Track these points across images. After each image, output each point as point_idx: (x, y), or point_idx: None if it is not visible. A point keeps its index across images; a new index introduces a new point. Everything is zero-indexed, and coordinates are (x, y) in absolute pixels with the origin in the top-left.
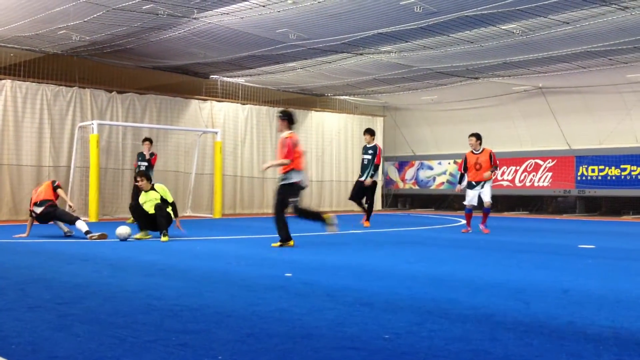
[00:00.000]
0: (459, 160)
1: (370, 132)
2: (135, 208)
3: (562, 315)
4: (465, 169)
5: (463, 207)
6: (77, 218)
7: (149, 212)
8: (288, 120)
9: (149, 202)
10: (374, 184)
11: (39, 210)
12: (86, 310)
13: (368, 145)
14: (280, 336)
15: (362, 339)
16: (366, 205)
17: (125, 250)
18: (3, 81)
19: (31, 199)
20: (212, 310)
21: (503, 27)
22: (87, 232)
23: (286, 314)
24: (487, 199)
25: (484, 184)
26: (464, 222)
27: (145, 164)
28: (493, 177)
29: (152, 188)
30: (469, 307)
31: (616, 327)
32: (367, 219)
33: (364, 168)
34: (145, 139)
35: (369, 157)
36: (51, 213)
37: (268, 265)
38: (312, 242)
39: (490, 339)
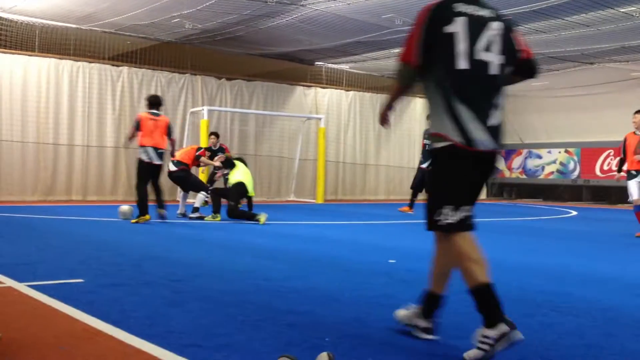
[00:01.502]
0: (570, 149)
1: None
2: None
3: None
4: (624, 154)
5: (575, 198)
6: (205, 189)
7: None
8: None
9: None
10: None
11: (173, 168)
12: (199, 288)
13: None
14: (386, 321)
15: (469, 327)
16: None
17: (235, 233)
18: (121, 68)
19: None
20: (318, 292)
21: (622, 10)
22: (195, 209)
23: (391, 299)
24: None
25: None
26: (576, 213)
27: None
28: None
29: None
30: (581, 301)
31: None
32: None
33: (426, 154)
34: (212, 134)
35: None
36: (182, 178)
37: (372, 251)
38: (414, 229)
39: (604, 334)
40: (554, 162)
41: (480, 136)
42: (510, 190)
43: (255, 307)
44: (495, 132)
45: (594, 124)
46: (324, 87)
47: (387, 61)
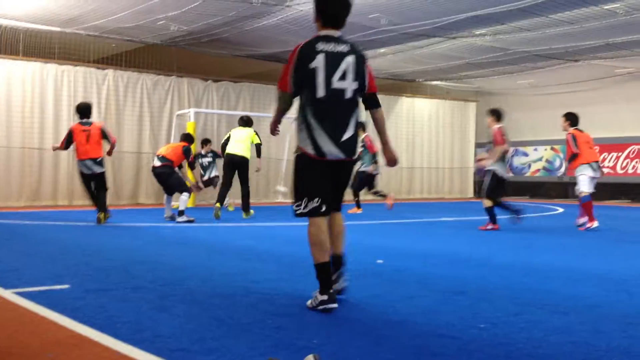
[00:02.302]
0: (556, 147)
1: (361, 126)
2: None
3: None
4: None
5: (561, 195)
6: (187, 191)
7: None
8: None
9: None
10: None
11: (157, 163)
12: (186, 292)
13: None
14: (374, 322)
15: (457, 327)
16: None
17: (222, 234)
18: (106, 71)
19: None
20: (306, 294)
21: (606, 7)
22: (180, 212)
23: (380, 300)
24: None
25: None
26: (562, 210)
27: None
28: None
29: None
30: (568, 298)
31: None
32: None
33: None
34: (205, 141)
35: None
36: (164, 175)
37: (359, 251)
38: (402, 228)
39: (592, 330)
40: (540, 159)
41: (330, 149)
42: None
43: (243, 310)
44: (347, 145)
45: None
46: None
47: (374, 60)
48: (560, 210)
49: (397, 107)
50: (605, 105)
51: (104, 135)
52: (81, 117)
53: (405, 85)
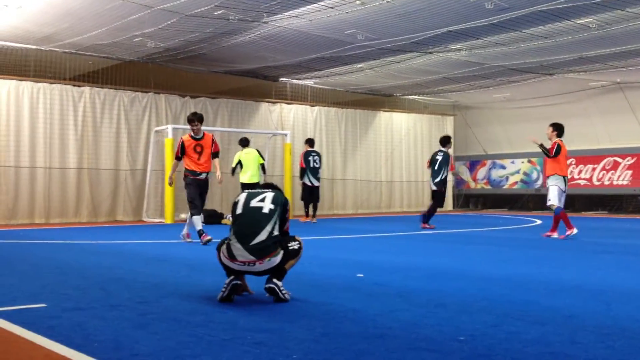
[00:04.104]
0: (533, 159)
1: (310, 141)
2: None
3: None
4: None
5: (539, 207)
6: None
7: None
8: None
9: None
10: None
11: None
12: (165, 309)
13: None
14: (354, 336)
15: (437, 340)
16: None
17: (201, 251)
18: (82, 88)
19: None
20: (286, 309)
21: (579, 22)
22: (200, 233)
23: (360, 314)
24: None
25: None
26: (540, 222)
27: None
28: None
29: None
30: (547, 309)
31: None
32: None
33: (315, 172)
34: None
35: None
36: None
37: (339, 265)
38: (382, 242)
39: (570, 341)
40: (518, 172)
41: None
42: (476, 201)
43: (222, 326)
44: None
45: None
46: (289, 103)
47: (351, 76)
48: (539, 222)
49: (376, 122)
50: (580, 118)
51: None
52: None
53: (383, 100)
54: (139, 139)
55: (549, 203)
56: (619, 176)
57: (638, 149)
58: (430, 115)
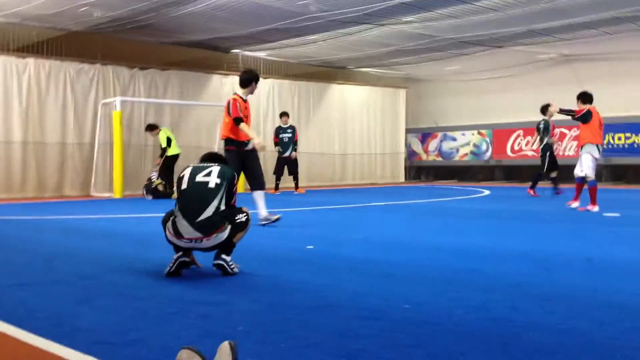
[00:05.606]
0: (483, 131)
1: (285, 114)
2: None
3: (586, 283)
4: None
5: (488, 178)
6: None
7: None
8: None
9: None
10: (296, 158)
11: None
12: (109, 284)
13: (284, 126)
14: (300, 307)
15: (383, 309)
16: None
17: (147, 226)
18: (26, 60)
19: None
20: (233, 282)
21: None
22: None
23: (307, 285)
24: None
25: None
26: (488, 192)
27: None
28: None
29: None
30: (491, 277)
31: None
32: (297, 187)
33: (285, 145)
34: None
35: (289, 135)
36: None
37: (289, 238)
38: (336, 215)
39: (511, 307)
40: (468, 144)
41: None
42: (427, 172)
43: (167, 300)
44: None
45: (504, 106)
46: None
47: (304, 48)
48: (487, 192)
49: (329, 94)
50: (530, 90)
51: None
52: None
53: (336, 72)
54: (86, 111)
55: (581, 174)
56: (566, 147)
57: None
58: (384, 87)
